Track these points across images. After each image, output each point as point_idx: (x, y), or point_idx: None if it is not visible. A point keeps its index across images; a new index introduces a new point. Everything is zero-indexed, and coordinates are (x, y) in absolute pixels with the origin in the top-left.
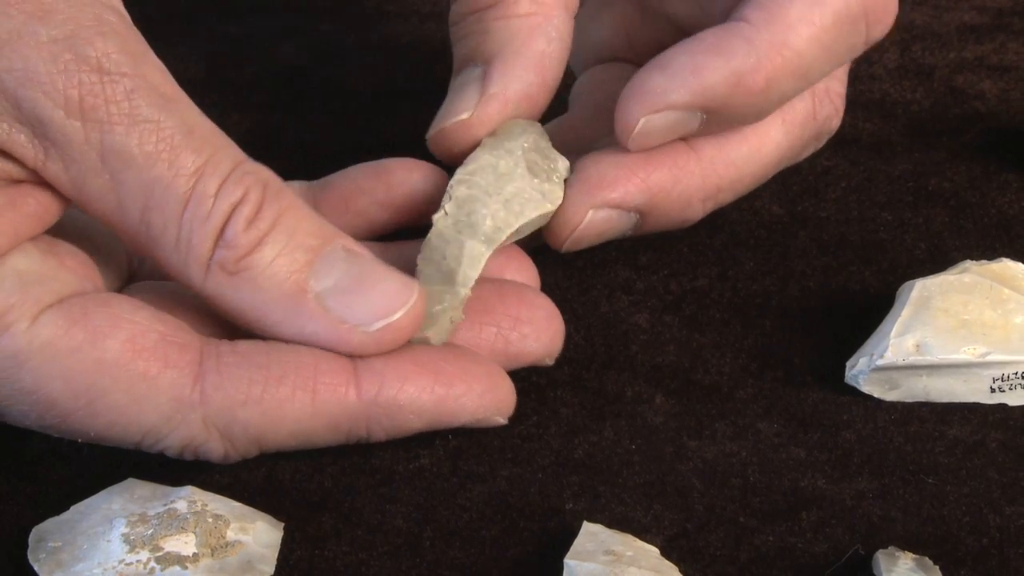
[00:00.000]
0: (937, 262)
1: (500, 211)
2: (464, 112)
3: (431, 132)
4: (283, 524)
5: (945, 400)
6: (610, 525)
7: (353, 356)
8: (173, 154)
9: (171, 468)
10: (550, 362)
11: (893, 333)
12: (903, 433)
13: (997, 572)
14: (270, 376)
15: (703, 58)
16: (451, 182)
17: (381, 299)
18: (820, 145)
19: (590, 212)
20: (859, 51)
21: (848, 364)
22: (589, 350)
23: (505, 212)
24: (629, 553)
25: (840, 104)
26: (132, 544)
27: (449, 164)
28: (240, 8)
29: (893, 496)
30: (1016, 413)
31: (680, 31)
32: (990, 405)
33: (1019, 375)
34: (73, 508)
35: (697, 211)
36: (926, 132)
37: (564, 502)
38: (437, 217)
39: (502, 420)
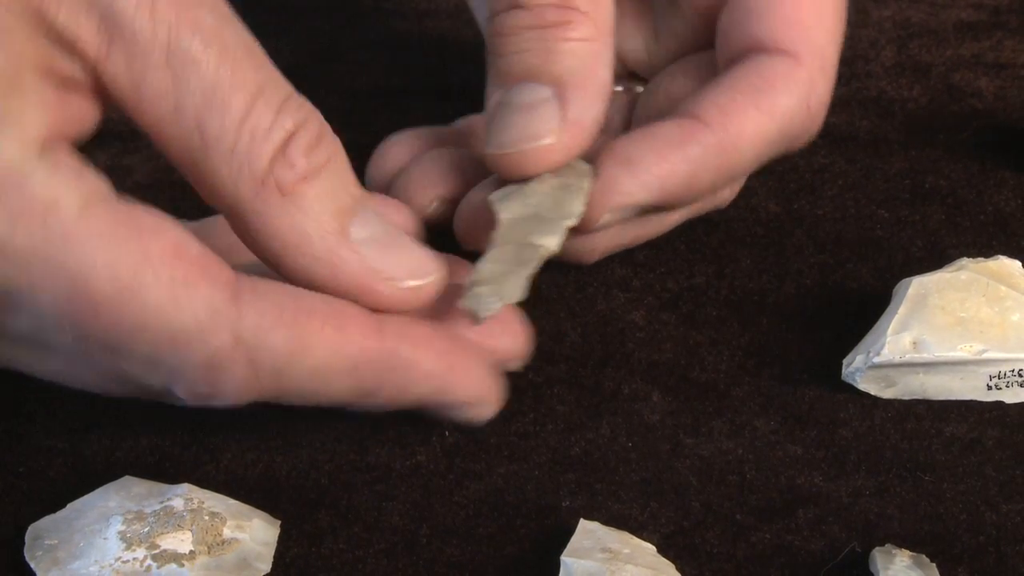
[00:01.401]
0: (934, 260)
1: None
2: (547, 137)
3: (505, 150)
4: (279, 522)
5: (942, 398)
6: (607, 522)
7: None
8: (236, 65)
9: (168, 466)
10: (519, 364)
11: (890, 331)
12: (900, 430)
13: (994, 569)
14: (301, 307)
15: (667, 163)
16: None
17: (413, 261)
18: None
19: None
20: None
21: (845, 362)
22: (585, 348)
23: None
24: (626, 551)
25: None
26: (129, 542)
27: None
28: (235, 6)
29: (890, 494)
30: (1013, 411)
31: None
32: (987, 403)
33: (1015, 372)
34: (69, 506)
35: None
36: (923, 130)
37: (561, 499)
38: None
39: (491, 411)
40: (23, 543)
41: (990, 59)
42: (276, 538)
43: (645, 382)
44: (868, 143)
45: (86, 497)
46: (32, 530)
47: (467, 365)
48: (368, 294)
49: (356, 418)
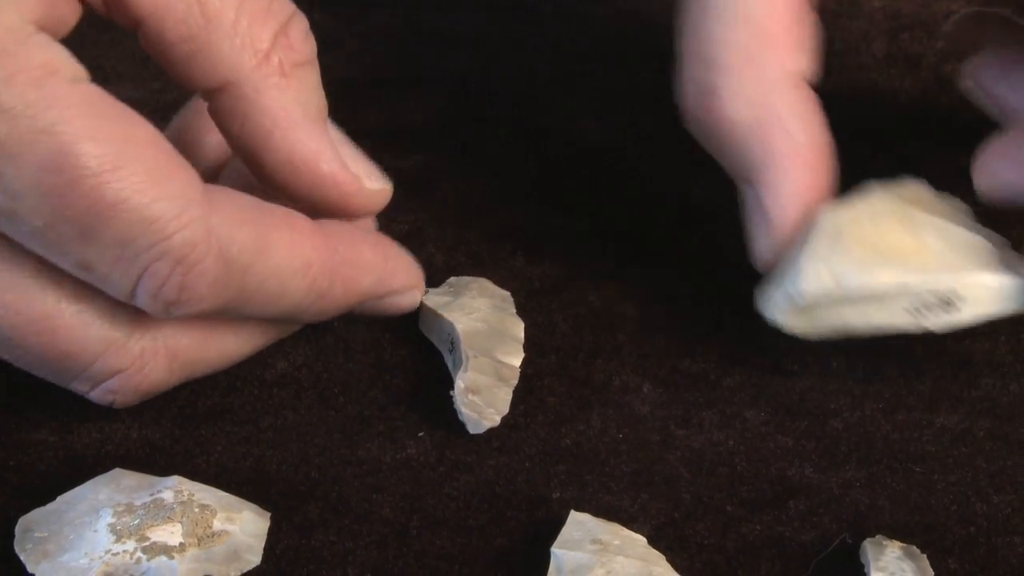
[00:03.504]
0: None
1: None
2: None
3: None
4: (270, 514)
5: (863, 329)
6: (597, 514)
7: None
8: None
9: (158, 458)
10: (418, 296)
11: (806, 263)
12: (890, 421)
13: (984, 560)
14: (258, 206)
15: None
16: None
17: (371, 167)
18: None
19: None
20: None
21: (760, 294)
22: (576, 339)
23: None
24: (616, 542)
25: None
26: (119, 534)
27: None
28: None
29: (880, 485)
30: (1003, 402)
31: None
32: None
33: (936, 297)
34: (59, 498)
35: None
36: (914, 121)
37: (551, 491)
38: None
39: (419, 296)
40: (13, 536)
41: None
42: (266, 530)
43: (636, 373)
44: (859, 135)
45: (76, 490)
46: (22, 523)
47: (396, 253)
48: (341, 187)
49: (346, 411)
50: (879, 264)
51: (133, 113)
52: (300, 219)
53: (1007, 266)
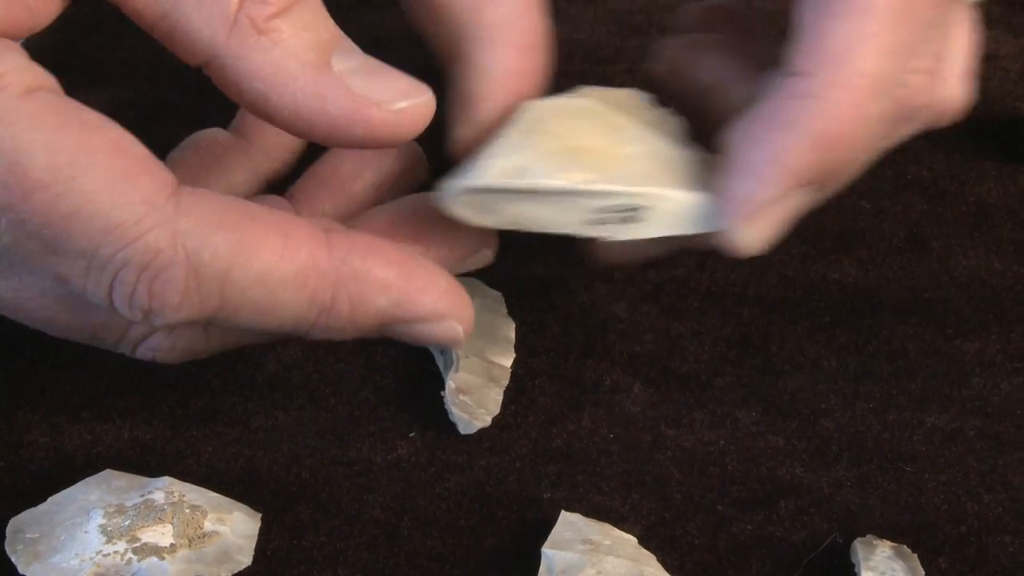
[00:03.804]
0: (916, 251)
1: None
2: None
3: None
4: (260, 515)
5: (539, 229)
6: (588, 514)
7: (372, 137)
8: None
9: (149, 459)
10: (488, 258)
11: (492, 154)
12: (881, 421)
13: (975, 559)
14: (246, 212)
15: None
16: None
17: (401, 83)
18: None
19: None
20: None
21: (443, 185)
22: (567, 339)
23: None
24: (607, 542)
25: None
26: (109, 535)
27: None
28: None
29: (871, 484)
30: (994, 401)
31: None
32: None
33: (618, 207)
34: (50, 499)
35: None
36: None
37: (542, 491)
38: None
39: (460, 329)
40: (3, 537)
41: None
42: (257, 531)
43: (626, 374)
44: None
45: (67, 491)
46: (13, 524)
47: (425, 274)
48: (359, 122)
49: (337, 412)
50: (563, 166)
51: (95, 119)
52: (298, 225)
53: (702, 186)
